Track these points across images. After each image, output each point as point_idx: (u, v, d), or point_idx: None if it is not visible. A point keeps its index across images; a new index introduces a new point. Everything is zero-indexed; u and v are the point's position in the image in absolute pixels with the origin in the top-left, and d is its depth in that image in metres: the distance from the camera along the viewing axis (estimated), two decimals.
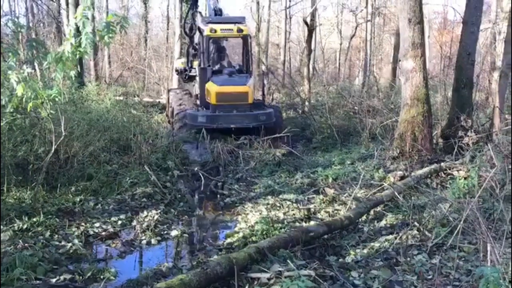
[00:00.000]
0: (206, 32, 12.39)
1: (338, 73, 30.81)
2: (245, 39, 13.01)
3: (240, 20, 13.13)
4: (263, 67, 20.64)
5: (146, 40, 28.08)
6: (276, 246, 4.71)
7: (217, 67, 12.85)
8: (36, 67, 5.91)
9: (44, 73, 5.84)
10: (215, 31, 12.42)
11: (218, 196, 7.90)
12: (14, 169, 6.71)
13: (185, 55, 15.51)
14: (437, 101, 12.64)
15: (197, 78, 12.88)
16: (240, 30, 12.55)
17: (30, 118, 7.00)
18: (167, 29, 28.27)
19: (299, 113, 15.93)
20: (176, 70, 16.03)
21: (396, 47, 22.93)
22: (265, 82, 13.84)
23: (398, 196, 6.39)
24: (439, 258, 4.64)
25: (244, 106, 11.93)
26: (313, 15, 19.81)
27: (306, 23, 19.69)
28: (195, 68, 13.64)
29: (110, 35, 4.83)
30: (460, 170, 7.54)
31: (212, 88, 11.86)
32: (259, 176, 9.08)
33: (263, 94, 13.46)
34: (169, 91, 15.31)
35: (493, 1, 18.46)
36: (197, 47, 13.91)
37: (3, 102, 5.91)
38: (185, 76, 14.81)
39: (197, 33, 13.91)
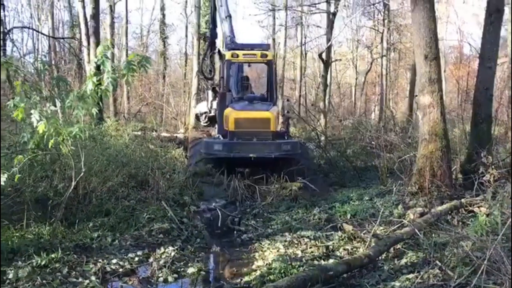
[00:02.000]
0: (228, 56, 11.78)
1: (354, 107, 30.89)
2: (269, 65, 12.36)
3: (264, 48, 12.67)
4: (285, 99, 20.39)
5: (164, 76, 28.64)
6: (295, 286, 4.62)
7: (238, 95, 12.13)
8: (58, 104, 6.05)
9: (66, 110, 5.96)
10: (237, 56, 11.79)
11: (235, 232, 7.84)
12: (33, 205, 6.78)
13: (205, 98, 14.57)
14: (455, 136, 12.55)
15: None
16: (264, 55, 11.95)
17: (51, 155, 7.12)
18: (185, 65, 28.86)
19: (315, 148, 15.88)
20: (196, 116, 14.89)
21: (412, 82, 23.05)
22: (288, 112, 12.98)
23: (419, 234, 6.27)
24: None
25: (265, 134, 10.91)
26: (328, 51, 20.10)
27: (321, 59, 19.97)
28: (215, 108, 12.85)
29: (131, 74, 4.94)
30: (481, 206, 7.39)
31: (231, 113, 11.03)
32: (276, 211, 9.01)
33: (287, 124, 12.57)
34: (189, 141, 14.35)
35: (510, 36, 18.46)
36: (217, 88, 13.19)
37: (25, 139, 6.06)
38: (205, 117, 13.81)
39: (217, 59, 13.43)
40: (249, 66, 13.50)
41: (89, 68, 5.15)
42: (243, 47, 12.35)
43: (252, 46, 12.54)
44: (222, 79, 11.93)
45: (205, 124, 14.05)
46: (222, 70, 12.04)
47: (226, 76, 11.91)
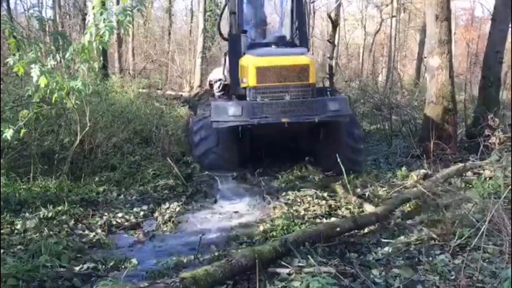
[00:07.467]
0: None
1: (361, 69, 30.51)
2: None
3: None
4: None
5: (169, 33, 28.24)
6: (302, 241, 4.70)
7: (256, 40, 9.02)
8: (58, 59, 5.99)
9: (68, 65, 5.92)
10: None
11: (240, 189, 7.89)
12: (40, 158, 6.86)
13: (221, 63, 11.18)
14: (462, 100, 12.45)
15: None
16: None
17: (56, 109, 7.13)
18: (191, 22, 28.37)
19: None
20: (210, 84, 11.97)
21: (421, 44, 22.67)
22: (331, 58, 8.96)
23: (421, 195, 6.31)
24: (462, 259, 4.56)
25: (302, 87, 7.57)
26: (337, 10, 19.66)
27: (330, 18, 19.55)
28: None
29: (127, 19, 4.85)
30: (486, 170, 7.41)
31: (250, 61, 7.69)
32: (280, 171, 9.03)
33: (331, 74, 9.00)
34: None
35: None
36: None
37: (29, 92, 6.05)
38: (220, 85, 10.55)
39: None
40: None
41: (87, 20, 5.01)
42: None
43: None
44: (232, 15, 8.50)
45: (219, 94, 10.67)
46: (233, 5, 8.51)
47: (240, 12, 8.46)
